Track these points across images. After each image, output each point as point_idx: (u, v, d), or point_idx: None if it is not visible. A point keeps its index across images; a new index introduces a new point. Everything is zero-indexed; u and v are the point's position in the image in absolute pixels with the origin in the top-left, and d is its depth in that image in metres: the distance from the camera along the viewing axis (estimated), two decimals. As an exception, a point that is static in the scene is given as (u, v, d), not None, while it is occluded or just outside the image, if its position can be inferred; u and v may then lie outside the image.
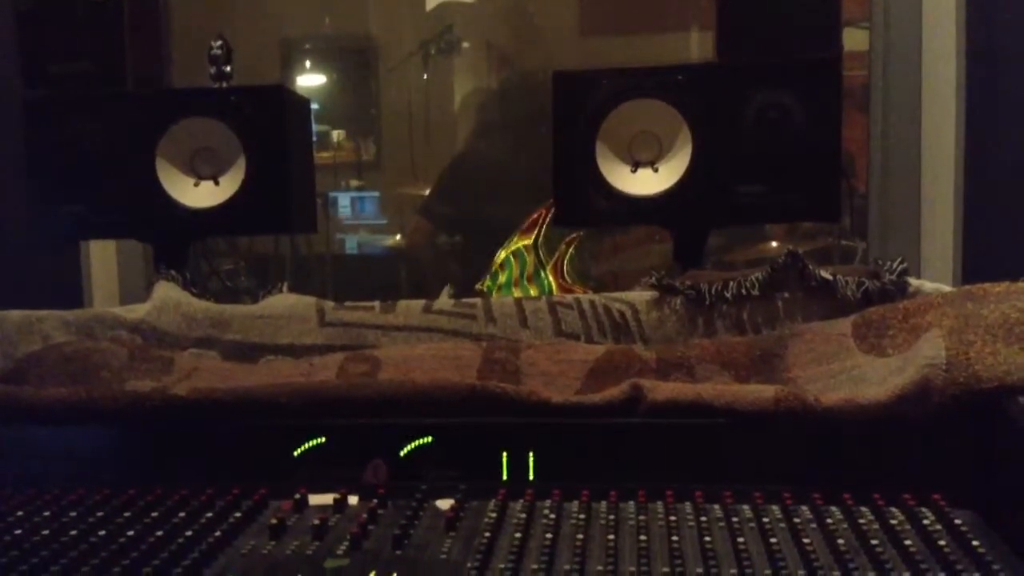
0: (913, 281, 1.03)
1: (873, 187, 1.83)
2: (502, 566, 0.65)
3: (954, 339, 0.82)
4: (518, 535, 0.70)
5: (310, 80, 4.22)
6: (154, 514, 0.76)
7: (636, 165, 1.16)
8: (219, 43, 1.27)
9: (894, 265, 1.04)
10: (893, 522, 0.71)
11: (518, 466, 0.83)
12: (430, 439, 0.85)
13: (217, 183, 1.23)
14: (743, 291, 1.03)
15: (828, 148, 1.15)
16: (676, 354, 0.93)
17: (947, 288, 1.01)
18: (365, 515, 0.74)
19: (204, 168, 1.23)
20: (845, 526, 0.71)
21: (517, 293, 1.50)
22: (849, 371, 0.87)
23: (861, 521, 0.71)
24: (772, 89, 1.14)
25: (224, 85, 1.28)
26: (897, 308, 0.93)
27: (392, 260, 3.38)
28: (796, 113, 1.14)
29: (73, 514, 0.76)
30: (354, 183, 4.35)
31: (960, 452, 0.79)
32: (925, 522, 0.71)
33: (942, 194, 1.73)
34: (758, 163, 1.15)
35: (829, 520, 0.71)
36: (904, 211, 1.80)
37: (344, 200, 4.27)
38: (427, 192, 2.83)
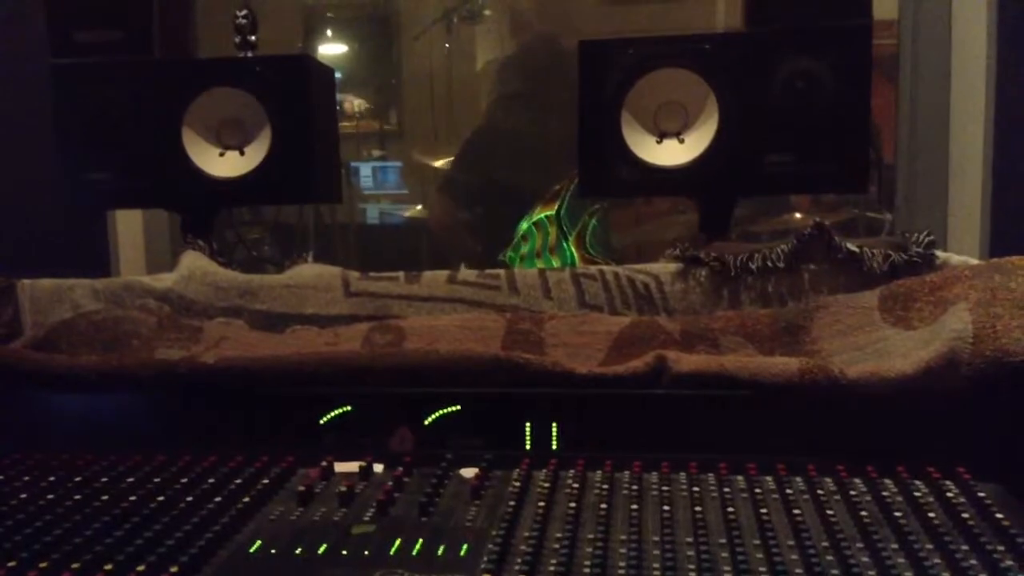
0: (940, 254, 1.02)
1: (901, 158, 1.81)
2: (526, 534, 0.66)
3: (981, 312, 0.81)
4: (542, 504, 0.70)
5: (332, 49, 4.21)
6: (184, 480, 0.77)
7: (662, 135, 1.16)
8: (244, 12, 1.27)
9: (921, 237, 1.03)
10: (917, 494, 0.71)
11: (542, 436, 0.84)
12: (455, 408, 0.85)
13: (243, 153, 1.23)
14: (768, 263, 1.02)
15: (857, 118, 1.14)
16: (700, 326, 0.93)
17: (974, 261, 1.00)
18: (391, 483, 0.75)
19: (230, 138, 1.23)
20: (869, 498, 0.71)
21: (539, 264, 1.50)
22: (875, 344, 0.87)
23: (885, 493, 0.71)
24: (800, 58, 1.13)
25: (249, 55, 1.28)
26: (924, 281, 0.92)
27: (413, 230, 3.38)
28: (825, 82, 1.12)
29: (104, 479, 0.78)
30: (376, 153, 4.35)
31: (985, 425, 0.78)
32: (949, 495, 0.71)
33: (970, 165, 1.70)
34: (785, 133, 1.13)
35: (853, 492, 0.72)
36: (932, 182, 1.78)
37: (366, 170, 4.27)
38: (448, 164, 2.82)
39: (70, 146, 1.25)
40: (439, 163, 3.04)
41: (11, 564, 0.61)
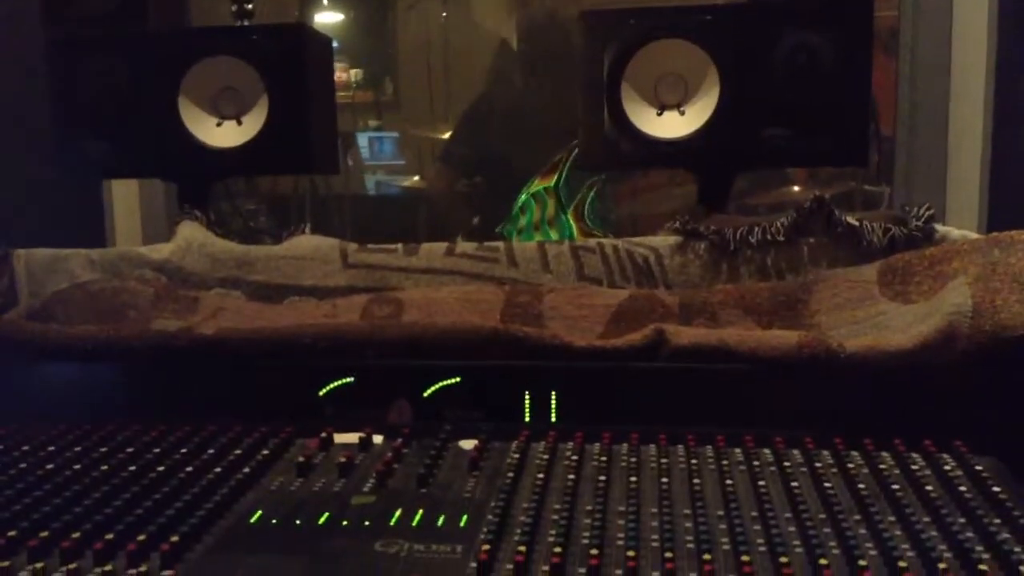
0: (940, 228, 1.02)
1: (900, 131, 1.80)
2: (525, 505, 0.66)
3: (980, 286, 0.82)
4: (540, 476, 0.71)
5: (327, 18, 4.17)
6: (183, 451, 0.77)
7: (662, 107, 1.15)
8: (241, -20, 1.26)
9: (921, 211, 1.02)
10: (914, 467, 0.72)
11: (540, 409, 0.84)
12: (454, 380, 0.85)
13: (240, 123, 1.22)
14: (768, 236, 1.02)
15: (858, 91, 1.13)
16: (699, 299, 0.93)
17: (974, 235, 1.00)
18: (390, 454, 0.76)
19: (227, 107, 1.22)
20: (866, 471, 0.71)
21: (538, 236, 1.50)
22: (873, 318, 0.87)
23: (882, 466, 0.72)
24: (802, 30, 1.12)
25: (246, 23, 1.27)
26: (923, 255, 0.92)
27: (410, 201, 3.37)
28: (826, 55, 1.11)
29: (104, 449, 0.78)
30: (372, 123, 4.32)
31: (983, 399, 0.79)
32: (946, 468, 0.71)
33: (969, 139, 1.70)
34: (786, 106, 1.13)
35: (850, 465, 0.72)
36: (930, 156, 1.77)
37: (362, 140, 4.24)
38: (446, 135, 2.81)
39: (66, 117, 1.24)
40: (436, 134, 3.03)
41: (11, 534, 0.62)
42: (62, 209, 1.52)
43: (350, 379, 0.86)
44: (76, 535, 0.61)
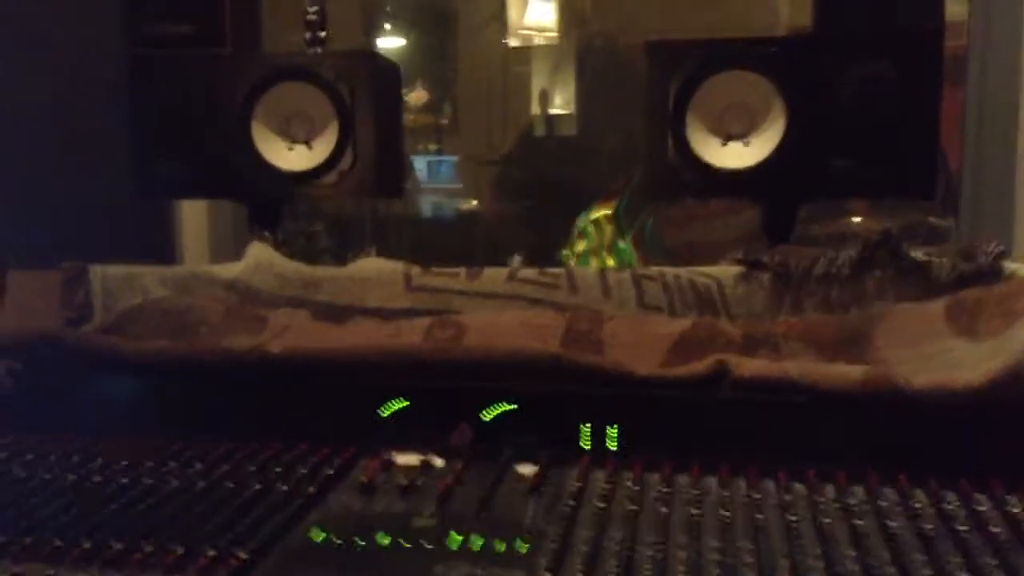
0: (1009, 264, 1.01)
1: (967, 163, 1.78)
2: (586, 533, 0.66)
3: (1051, 326, 0.80)
4: (601, 504, 0.71)
5: (390, 42, 4.25)
6: (250, 468, 0.79)
7: (727, 137, 1.15)
8: (315, 8, 1.29)
9: (990, 247, 1.01)
10: (980, 508, 0.70)
11: (599, 436, 0.84)
12: (514, 405, 0.86)
13: (310, 147, 1.25)
14: (833, 269, 1.02)
15: (927, 123, 1.12)
16: (762, 330, 0.93)
17: (1045, 272, 0.99)
18: (451, 477, 0.76)
19: (298, 132, 1.25)
20: (931, 511, 0.70)
21: (596, 262, 1.51)
22: (941, 354, 0.86)
23: (947, 506, 0.71)
24: (869, 61, 1.11)
25: (319, 50, 1.30)
26: (992, 291, 0.91)
27: (467, 224, 3.40)
28: (894, 86, 1.10)
29: (173, 464, 0.80)
30: (432, 147, 4.37)
31: (1053, 441, 0.77)
32: (1015, 510, 0.70)
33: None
34: (853, 137, 1.12)
35: (916, 504, 0.71)
36: (998, 189, 1.74)
37: (420, 164, 4.30)
38: (502, 159, 2.84)
39: (142, 136, 1.28)
40: (494, 158, 3.06)
41: (85, 546, 0.64)
42: (134, 228, 1.56)
43: (408, 400, 0.87)
44: (149, 549, 0.63)
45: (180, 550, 0.63)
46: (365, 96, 1.22)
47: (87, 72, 1.69)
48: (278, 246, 1.19)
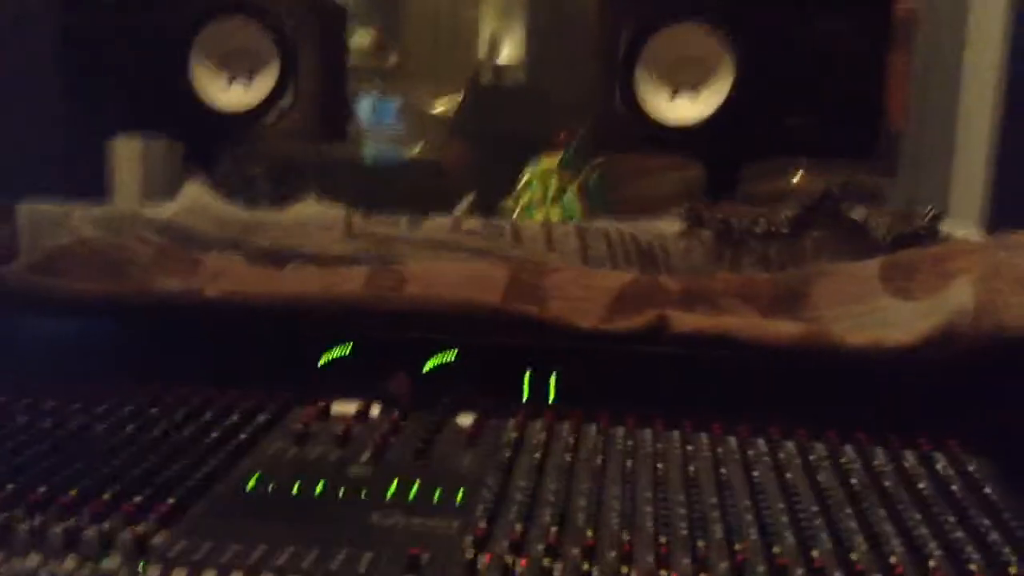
0: (944, 227, 1.02)
1: (908, 125, 1.80)
2: (522, 483, 0.66)
3: (983, 287, 0.82)
4: (538, 455, 0.71)
5: (337, -18, 4.14)
6: (181, 413, 0.77)
7: (676, 92, 1.15)
8: (261, -59, 1.24)
9: (926, 210, 1.03)
10: (906, 464, 0.72)
11: (539, 388, 0.84)
12: (453, 355, 0.85)
13: (250, 84, 1.21)
14: (772, 228, 1.02)
15: (873, 83, 1.13)
16: (702, 286, 0.93)
17: (978, 235, 1.01)
18: (388, 426, 0.76)
19: (238, 68, 1.22)
20: (858, 466, 0.72)
21: (540, 214, 1.50)
22: (875, 313, 0.87)
23: (875, 462, 0.72)
24: (820, 18, 1.11)
25: (263, -15, 1.26)
26: (927, 253, 0.92)
27: (412, 169, 3.36)
28: (843, 45, 1.11)
29: (102, 408, 0.78)
30: (376, 90, 4.29)
31: (979, 400, 0.79)
32: (938, 466, 0.72)
33: (977, 135, 1.70)
34: (801, 96, 1.12)
35: (843, 459, 0.72)
36: (937, 152, 1.77)
37: (364, 107, 4.21)
38: (454, 107, 2.80)
39: (76, 69, 1.24)
40: (440, 104, 3.01)
41: (8, 487, 0.62)
42: (64, 165, 1.51)
43: (347, 348, 0.86)
44: (73, 492, 0.61)
45: (107, 495, 0.61)
46: (309, 34, 1.19)
47: (14, 6, 1.62)
48: (214, 187, 1.15)
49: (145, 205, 1.14)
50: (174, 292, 0.90)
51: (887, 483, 0.69)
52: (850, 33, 1.11)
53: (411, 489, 0.65)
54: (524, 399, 0.84)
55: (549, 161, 1.49)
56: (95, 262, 0.98)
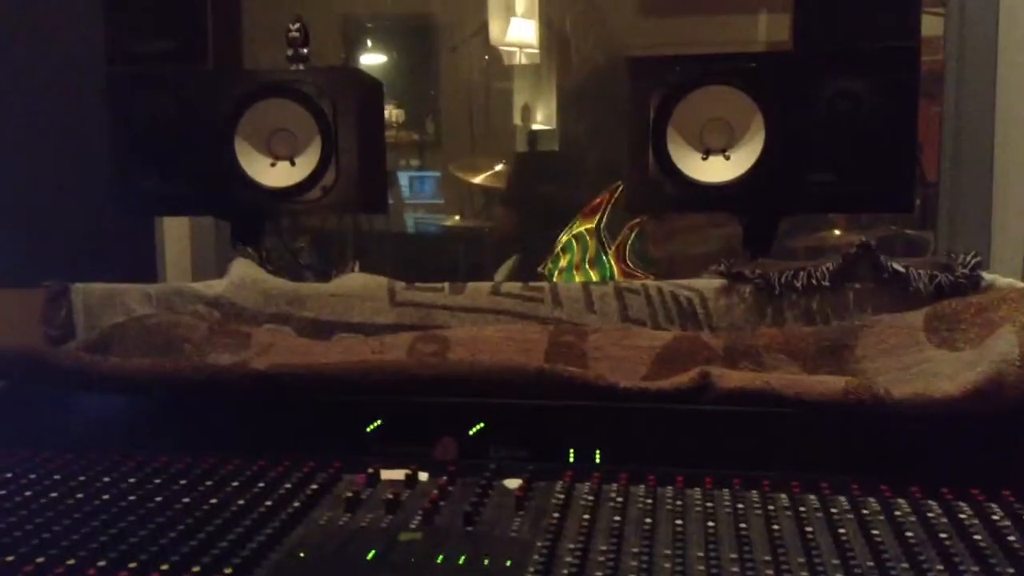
0: (986, 275, 1.02)
1: (944, 176, 1.80)
2: (571, 546, 0.66)
3: (1028, 335, 0.81)
4: (586, 516, 0.71)
5: (371, 59, 4.26)
6: (234, 484, 0.79)
7: (707, 152, 1.16)
8: (297, 25, 1.29)
9: (967, 259, 1.02)
10: (962, 516, 0.71)
11: (584, 449, 0.84)
12: (498, 419, 0.86)
13: (293, 163, 1.25)
14: (813, 281, 1.02)
15: (904, 138, 1.14)
16: (744, 343, 0.94)
17: (1021, 283, 1.00)
18: (436, 491, 0.76)
19: (280, 148, 1.26)
20: (913, 519, 0.71)
21: (579, 277, 1.51)
22: (920, 364, 0.87)
23: (929, 515, 0.71)
24: (847, 78, 1.13)
25: (301, 67, 1.30)
26: (970, 302, 0.92)
27: (450, 239, 3.41)
28: (872, 102, 1.12)
29: (157, 481, 0.80)
30: (414, 163, 4.38)
31: (1032, 449, 0.78)
32: (994, 517, 0.71)
33: (1015, 184, 1.69)
34: (832, 152, 1.13)
35: (897, 512, 0.71)
36: (975, 201, 1.76)
37: (403, 179, 4.30)
38: (484, 176, 2.86)
39: (124, 154, 1.28)
40: (478, 177, 3.06)
41: (70, 563, 0.63)
42: (116, 246, 1.56)
43: (393, 415, 0.87)
44: (133, 565, 0.63)
45: (166, 566, 0.62)
46: (347, 112, 1.22)
47: (68, 90, 1.69)
48: (261, 262, 1.18)
49: (195, 282, 1.17)
50: (225, 366, 0.92)
51: (943, 536, 0.67)
52: (878, 89, 1.12)
53: (460, 555, 0.65)
54: (570, 460, 0.84)
55: (584, 224, 1.51)
56: (150, 339, 1.01)
